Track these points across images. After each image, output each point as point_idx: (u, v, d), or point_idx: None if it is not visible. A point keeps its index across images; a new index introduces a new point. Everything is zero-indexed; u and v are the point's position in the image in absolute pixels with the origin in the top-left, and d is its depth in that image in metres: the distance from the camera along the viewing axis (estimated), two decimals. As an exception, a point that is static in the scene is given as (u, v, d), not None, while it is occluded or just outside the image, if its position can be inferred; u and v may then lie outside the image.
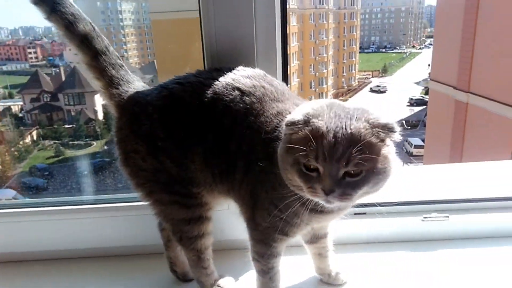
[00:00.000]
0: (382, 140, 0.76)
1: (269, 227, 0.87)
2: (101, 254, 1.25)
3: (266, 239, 0.91)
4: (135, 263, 1.18)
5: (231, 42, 1.03)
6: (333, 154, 0.71)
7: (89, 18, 1.07)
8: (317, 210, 0.86)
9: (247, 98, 0.89)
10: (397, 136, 0.77)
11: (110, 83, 0.97)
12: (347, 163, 0.73)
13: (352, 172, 0.75)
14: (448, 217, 1.13)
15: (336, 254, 1.01)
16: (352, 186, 0.71)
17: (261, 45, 1.05)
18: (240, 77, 0.93)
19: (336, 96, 41.28)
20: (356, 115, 0.78)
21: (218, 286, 0.96)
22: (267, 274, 0.92)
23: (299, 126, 0.72)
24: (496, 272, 1.02)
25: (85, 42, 1.00)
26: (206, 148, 0.91)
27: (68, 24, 0.98)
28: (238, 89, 0.90)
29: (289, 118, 0.75)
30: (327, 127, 0.73)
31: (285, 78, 1.18)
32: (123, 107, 0.96)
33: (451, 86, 17.91)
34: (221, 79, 0.92)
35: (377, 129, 0.77)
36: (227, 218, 0.98)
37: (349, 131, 0.75)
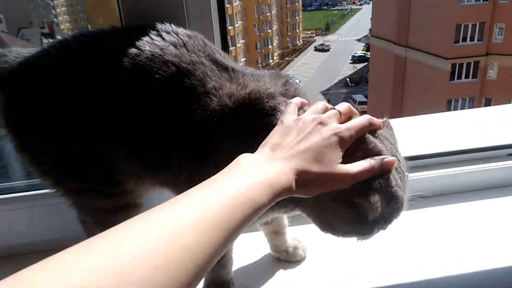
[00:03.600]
0: None
1: None
2: (41, 249, 1.04)
3: None
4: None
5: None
6: None
7: None
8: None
9: (186, 80, 0.68)
10: None
11: None
12: None
13: None
14: (407, 175, 1.06)
15: (290, 228, 0.91)
16: None
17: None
18: (170, 46, 0.71)
19: (282, 56, 41.44)
20: None
21: None
22: (219, 262, 0.79)
23: None
24: (440, 232, 0.99)
25: None
26: (131, 136, 0.71)
27: None
28: (174, 64, 0.69)
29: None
30: None
31: (224, 40, 0.98)
32: (7, 77, 0.73)
33: (391, 41, 18.49)
34: (146, 47, 0.70)
35: None
36: (167, 198, 0.83)
37: None
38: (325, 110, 0.63)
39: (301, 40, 43.84)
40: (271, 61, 34.80)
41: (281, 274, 0.88)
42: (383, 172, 0.58)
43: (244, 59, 28.82)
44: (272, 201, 0.50)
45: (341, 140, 0.57)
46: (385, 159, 0.58)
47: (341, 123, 0.60)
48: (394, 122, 1.52)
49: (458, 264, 0.85)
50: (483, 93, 16.24)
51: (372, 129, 0.61)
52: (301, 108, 0.66)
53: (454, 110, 16.20)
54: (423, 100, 16.70)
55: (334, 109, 0.62)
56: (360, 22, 51.14)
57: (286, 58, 39.30)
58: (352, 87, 29.89)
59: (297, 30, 42.42)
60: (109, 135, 0.72)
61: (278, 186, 0.50)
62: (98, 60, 0.72)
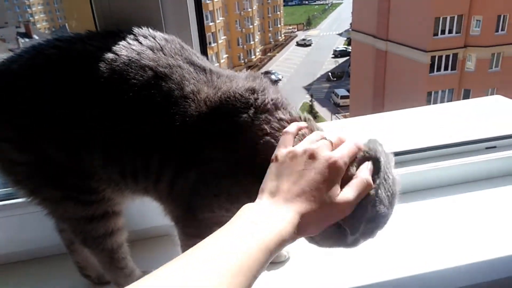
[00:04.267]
0: None
1: (209, 222, 0.71)
2: (19, 259, 1.00)
3: (203, 233, 0.75)
4: (54, 266, 0.97)
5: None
6: None
7: None
8: None
9: (164, 84, 0.68)
10: None
11: None
12: None
13: None
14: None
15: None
16: None
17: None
18: (147, 50, 0.70)
19: (264, 52, 41.36)
20: None
21: None
22: None
23: None
24: (442, 223, 0.99)
25: None
26: (108, 142, 0.69)
27: None
28: (150, 68, 0.68)
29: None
30: None
31: (203, 39, 0.96)
32: None
33: (371, 35, 18.65)
34: (122, 51, 0.68)
35: None
36: (148, 203, 0.82)
37: None
38: (319, 139, 0.63)
39: (282, 35, 43.84)
40: (253, 57, 34.70)
41: (265, 276, 0.87)
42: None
43: (226, 55, 28.66)
44: (282, 247, 0.54)
45: (337, 170, 0.58)
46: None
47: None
48: (372, 118, 1.51)
49: (441, 258, 0.86)
50: (462, 84, 16.56)
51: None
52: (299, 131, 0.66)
53: (434, 102, 16.50)
54: (404, 92, 16.92)
55: (326, 139, 0.63)
56: (341, 16, 51.46)
57: (269, 54, 39.26)
58: (334, 82, 30.08)
59: (279, 26, 42.40)
60: (86, 140, 0.70)
61: (287, 235, 0.54)
62: (73, 66, 0.69)
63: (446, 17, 15.79)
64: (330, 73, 31.52)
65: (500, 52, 15.80)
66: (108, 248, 0.79)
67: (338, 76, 31.09)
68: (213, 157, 0.68)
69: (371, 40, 18.73)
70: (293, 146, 0.62)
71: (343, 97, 24.79)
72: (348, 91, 24.21)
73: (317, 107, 25.84)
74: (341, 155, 0.60)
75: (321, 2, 65.59)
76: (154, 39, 0.72)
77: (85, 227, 0.76)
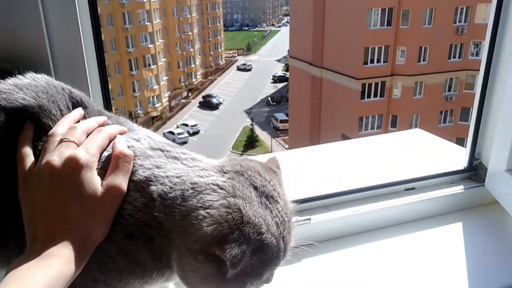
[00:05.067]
0: None
1: None
2: None
3: None
4: None
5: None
6: None
7: None
8: None
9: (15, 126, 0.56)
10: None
11: None
12: None
13: None
14: (309, 219, 0.99)
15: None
16: None
17: (56, 35, 0.70)
18: (10, 86, 0.59)
19: (205, 75, 41.29)
20: None
21: None
22: None
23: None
24: (363, 273, 0.93)
25: None
26: None
27: None
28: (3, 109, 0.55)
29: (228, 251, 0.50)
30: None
31: (104, 83, 0.82)
32: None
33: (307, 62, 19.46)
34: None
35: None
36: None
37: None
38: (62, 136, 0.55)
39: (223, 59, 44.38)
40: (194, 80, 34.58)
41: None
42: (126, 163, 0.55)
43: (167, 77, 28.22)
44: (68, 283, 0.48)
45: (85, 167, 0.52)
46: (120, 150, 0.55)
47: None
48: (287, 154, 1.41)
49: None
50: (390, 110, 17.73)
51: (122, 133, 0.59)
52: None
53: (365, 126, 17.47)
54: (338, 117, 17.73)
55: (69, 140, 0.54)
56: (279, 43, 53.49)
57: (210, 77, 39.41)
58: (274, 106, 30.86)
59: (219, 50, 42.91)
60: None
61: (65, 275, 0.48)
62: None
63: (375, 47, 16.97)
64: (269, 98, 32.29)
65: (423, 81, 17.24)
66: None
67: (277, 100, 31.94)
68: None
69: (307, 67, 19.53)
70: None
71: (282, 121, 25.41)
72: (287, 115, 24.87)
73: (258, 130, 26.19)
74: (85, 148, 0.54)
75: (260, 29, 67.75)
76: (18, 77, 0.62)
77: None
